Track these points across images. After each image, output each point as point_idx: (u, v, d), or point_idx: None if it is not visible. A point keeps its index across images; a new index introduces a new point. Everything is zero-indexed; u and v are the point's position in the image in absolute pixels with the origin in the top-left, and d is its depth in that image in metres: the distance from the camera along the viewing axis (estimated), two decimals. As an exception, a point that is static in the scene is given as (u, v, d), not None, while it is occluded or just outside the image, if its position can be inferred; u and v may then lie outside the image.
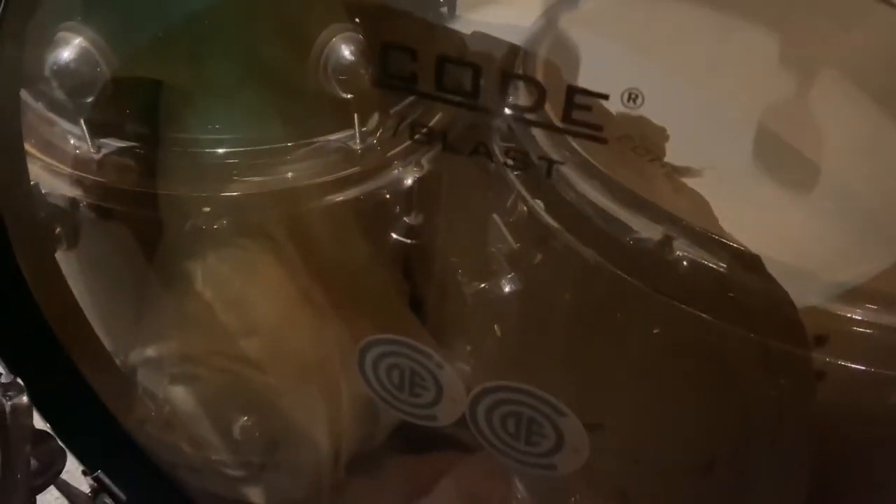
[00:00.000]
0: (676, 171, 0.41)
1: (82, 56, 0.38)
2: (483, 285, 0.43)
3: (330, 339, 0.40)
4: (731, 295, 0.35)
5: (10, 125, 0.41)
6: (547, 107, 0.44)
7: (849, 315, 0.33)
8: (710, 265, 0.35)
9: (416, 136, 0.35)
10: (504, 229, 0.44)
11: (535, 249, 0.41)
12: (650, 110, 0.40)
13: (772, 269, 0.36)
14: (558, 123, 0.32)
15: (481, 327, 0.43)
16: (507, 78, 0.33)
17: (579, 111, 0.31)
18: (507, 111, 0.34)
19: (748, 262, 0.35)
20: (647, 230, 0.36)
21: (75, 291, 0.46)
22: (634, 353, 0.38)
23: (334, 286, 0.40)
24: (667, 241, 0.36)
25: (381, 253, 0.41)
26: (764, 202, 0.38)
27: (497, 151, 0.36)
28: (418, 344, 0.36)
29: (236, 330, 0.40)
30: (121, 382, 0.45)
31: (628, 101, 0.31)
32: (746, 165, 0.39)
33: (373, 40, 0.40)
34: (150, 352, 0.42)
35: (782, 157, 0.39)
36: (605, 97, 0.31)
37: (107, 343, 0.48)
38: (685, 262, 0.35)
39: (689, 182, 0.41)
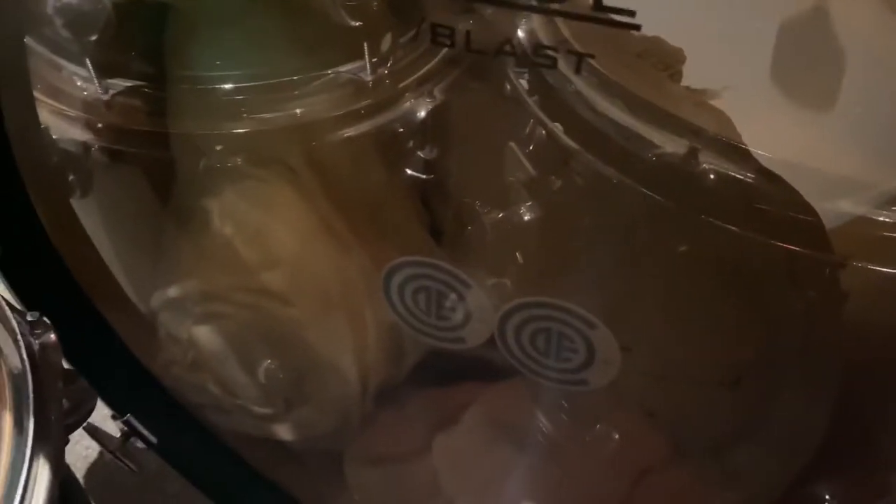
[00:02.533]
0: (695, 93, 0.40)
1: (84, -10, 0.37)
2: (502, 214, 0.43)
3: (353, 267, 0.40)
4: (759, 206, 0.34)
5: (17, 68, 0.40)
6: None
7: (877, 218, 0.32)
8: (738, 176, 0.34)
9: (438, 38, 0.34)
10: (521, 157, 0.43)
11: (554, 176, 0.41)
12: (665, 31, 0.39)
13: (794, 181, 0.36)
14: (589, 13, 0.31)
15: (503, 257, 0.42)
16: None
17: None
18: (533, 3, 0.33)
19: (773, 176, 0.34)
20: (671, 145, 0.36)
21: (93, 236, 0.46)
22: (661, 271, 0.37)
23: (355, 214, 0.39)
24: (692, 154, 0.35)
25: (400, 184, 0.41)
26: (784, 121, 0.37)
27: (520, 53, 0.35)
28: (445, 264, 0.35)
29: (258, 263, 0.40)
30: (144, 326, 0.45)
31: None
32: (765, 84, 0.38)
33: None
34: (172, 292, 0.42)
35: (801, 74, 0.38)
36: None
37: (127, 287, 0.48)
38: (712, 175, 0.35)
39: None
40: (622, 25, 0.30)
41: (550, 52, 0.34)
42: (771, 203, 0.35)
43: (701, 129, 0.35)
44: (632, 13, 0.30)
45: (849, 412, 0.40)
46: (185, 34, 0.39)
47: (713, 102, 0.41)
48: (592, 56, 0.34)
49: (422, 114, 0.45)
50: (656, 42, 0.42)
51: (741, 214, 0.35)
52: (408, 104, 0.45)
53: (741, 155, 0.34)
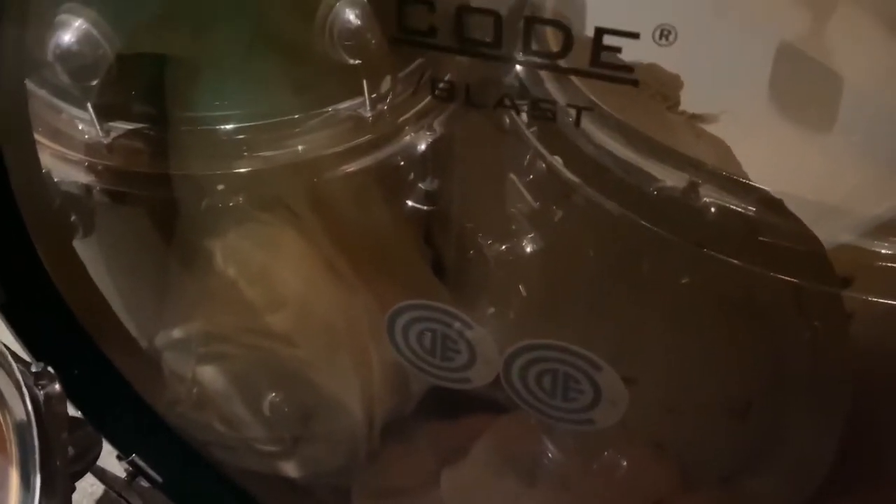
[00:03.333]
0: (693, 118, 0.41)
1: (84, 38, 0.37)
2: (505, 247, 0.43)
3: (357, 308, 0.40)
4: (760, 238, 0.34)
5: (18, 113, 0.40)
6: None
7: (876, 250, 0.32)
8: (738, 209, 0.34)
9: (438, 92, 0.34)
10: (522, 188, 0.44)
11: (555, 207, 0.41)
12: (661, 57, 0.40)
13: (795, 208, 0.36)
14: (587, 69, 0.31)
15: (506, 289, 0.42)
16: (530, 24, 0.32)
17: (608, 53, 0.30)
18: (533, 60, 0.33)
19: (775, 204, 0.35)
20: (671, 178, 0.36)
21: (95, 277, 0.46)
22: (665, 304, 0.37)
23: (358, 254, 0.40)
24: (693, 188, 0.35)
25: (402, 219, 0.41)
26: (783, 142, 0.38)
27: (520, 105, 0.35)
28: (448, 307, 0.35)
29: (262, 304, 0.40)
30: (148, 365, 0.45)
31: (660, 38, 0.30)
32: (763, 106, 0.38)
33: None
34: (176, 333, 0.42)
35: (799, 95, 0.38)
36: (636, 36, 0.30)
37: (131, 327, 0.48)
38: (713, 209, 0.35)
39: (707, 128, 0.41)
40: (620, 80, 0.30)
41: (549, 106, 0.34)
42: (772, 234, 0.35)
43: (700, 162, 0.35)
44: (630, 69, 0.30)
45: (858, 431, 0.40)
46: (185, 78, 0.39)
47: (712, 126, 0.41)
48: (591, 108, 0.35)
49: (422, 147, 0.46)
50: (653, 69, 0.42)
51: (742, 246, 0.35)
52: (408, 138, 0.46)
53: (741, 187, 0.34)
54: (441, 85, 0.34)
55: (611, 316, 0.39)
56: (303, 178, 0.40)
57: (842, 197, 0.37)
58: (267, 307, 0.40)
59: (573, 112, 0.34)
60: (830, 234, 0.36)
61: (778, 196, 0.36)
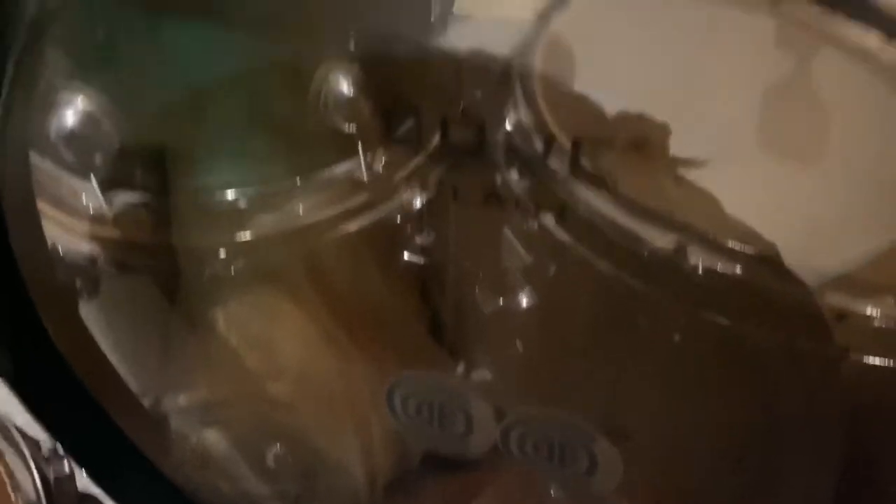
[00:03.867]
0: (682, 164, 0.42)
1: (87, 118, 0.39)
2: (501, 301, 0.44)
3: (356, 376, 0.41)
4: (750, 296, 0.35)
5: (22, 185, 0.41)
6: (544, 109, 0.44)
7: (865, 312, 0.33)
8: (726, 270, 0.35)
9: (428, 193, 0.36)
10: (517, 244, 0.45)
11: (550, 262, 0.42)
12: (648, 106, 0.41)
13: (785, 244, 0.37)
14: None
15: (503, 344, 0.43)
16: (511, 136, 0.33)
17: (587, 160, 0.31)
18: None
19: (764, 261, 0.35)
20: (661, 240, 0.37)
21: (102, 343, 0.46)
22: (658, 359, 0.38)
23: (356, 324, 0.41)
24: (681, 250, 0.36)
25: (398, 281, 0.42)
26: (772, 181, 0.38)
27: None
28: (445, 380, 0.36)
29: (263, 374, 0.41)
30: (155, 429, 0.46)
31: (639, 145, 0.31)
32: (752, 149, 0.39)
33: (373, 86, 0.40)
34: (181, 401, 0.43)
35: (787, 137, 0.39)
36: (610, 146, 0.31)
37: (136, 391, 0.49)
38: (700, 270, 0.36)
39: (695, 173, 0.42)
40: (599, 186, 0.31)
41: (532, 204, 0.36)
42: (761, 293, 0.36)
43: (688, 225, 0.36)
44: (604, 181, 0.32)
45: (856, 474, 0.40)
46: (185, 151, 0.40)
47: (701, 170, 0.42)
48: (574, 208, 0.36)
49: (418, 204, 0.47)
50: (641, 119, 0.43)
51: (732, 305, 0.36)
52: (404, 195, 0.47)
53: (728, 249, 0.35)
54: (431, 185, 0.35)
55: (605, 371, 0.40)
56: (301, 244, 0.41)
57: (831, 232, 0.38)
58: (268, 375, 0.41)
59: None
60: (820, 269, 0.36)
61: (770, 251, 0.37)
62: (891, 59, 0.40)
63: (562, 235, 0.39)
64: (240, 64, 0.37)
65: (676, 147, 0.41)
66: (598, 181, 0.31)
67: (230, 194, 0.43)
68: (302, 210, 0.44)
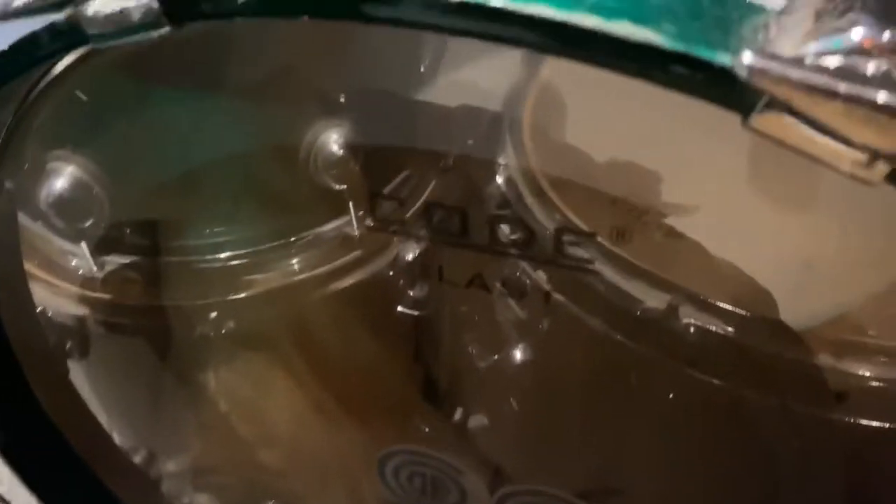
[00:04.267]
0: (673, 210, 0.42)
1: (77, 184, 0.39)
2: (496, 357, 0.44)
3: (348, 445, 0.40)
4: (744, 356, 0.35)
5: (10, 254, 0.41)
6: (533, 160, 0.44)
7: (861, 373, 0.33)
8: (718, 330, 0.35)
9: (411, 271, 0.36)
10: (510, 299, 0.44)
11: (542, 318, 0.42)
12: (639, 154, 0.41)
13: (775, 288, 0.37)
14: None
15: (497, 399, 0.43)
16: (494, 220, 0.34)
17: (570, 247, 0.32)
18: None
19: (757, 321, 0.35)
20: (652, 299, 0.37)
21: (91, 403, 0.46)
22: (652, 416, 0.38)
23: (347, 391, 0.40)
24: (672, 310, 0.36)
25: (390, 343, 0.42)
26: (764, 226, 0.39)
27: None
28: (437, 453, 0.36)
29: (254, 440, 0.41)
30: (146, 491, 0.45)
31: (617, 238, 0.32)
32: (743, 194, 0.39)
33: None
34: (172, 465, 0.43)
35: (779, 181, 0.39)
36: (593, 235, 0.32)
37: (126, 448, 0.48)
38: (692, 329, 0.36)
39: (687, 219, 0.42)
40: (581, 270, 0.32)
41: (517, 287, 0.36)
42: (755, 352, 0.36)
43: (678, 286, 0.36)
44: (590, 261, 0.32)
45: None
46: (174, 219, 0.40)
47: (691, 217, 0.42)
48: (560, 293, 0.36)
49: (410, 257, 0.47)
50: (631, 168, 0.43)
51: (727, 365, 0.36)
52: (396, 250, 0.47)
53: (719, 309, 0.35)
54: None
55: (598, 427, 0.39)
56: (292, 305, 0.41)
57: (825, 273, 0.38)
58: (258, 443, 0.41)
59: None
60: (815, 310, 0.36)
61: (761, 289, 0.37)
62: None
63: (556, 294, 0.39)
64: (230, 133, 0.37)
65: (667, 194, 0.41)
66: (582, 262, 0.31)
67: (221, 255, 0.43)
68: (293, 268, 0.44)
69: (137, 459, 0.50)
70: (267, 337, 0.40)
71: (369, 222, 0.46)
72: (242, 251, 0.43)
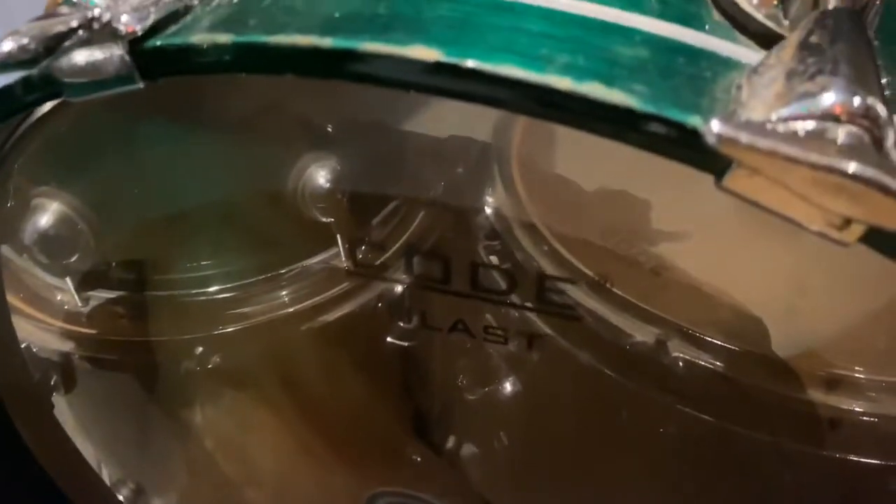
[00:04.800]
0: (664, 238, 0.42)
1: (61, 220, 0.38)
2: (485, 389, 0.43)
3: (335, 487, 0.40)
4: (734, 391, 0.35)
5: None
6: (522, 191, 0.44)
7: (852, 408, 0.33)
8: (708, 364, 0.35)
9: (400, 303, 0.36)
10: (498, 329, 0.44)
11: (532, 352, 0.41)
12: (629, 183, 0.41)
13: (766, 314, 0.36)
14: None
15: (487, 432, 0.43)
16: (476, 268, 0.34)
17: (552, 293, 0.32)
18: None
19: (748, 356, 0.35)
20: (641, 333, 0.37)
21: (76, 438, 0.45)
22: (642, 453, 0.37)
23: (334, 431, 0.40)
24: (661, 345, 0.36)
25: (378, 375, 0.41)
26: (754, 252, 0.38)
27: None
28: (425, 496, 0.35)
29: (241, 480, 0.40)
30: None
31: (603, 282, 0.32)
32: (733, 221, 0.39)
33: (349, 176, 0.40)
34: (158, 502, 0.42)
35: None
36: (573, 282, 0.32)
37: (112, 482, 0.47)
38: (681, 364, 0.35)
39: (677, 247, 0.42)
40: (565, 317, 0.31)
41: (500, 333, 0.36)
42: (745, 386, 0.36)
43: (668, 320, 0.36)
44: (572, 307, 0.32)
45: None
46: (159, 254, 0.40)
47: (685, 244, 0.42)
48: (543, 336, 0.36)
49: (400, 289, 0.46)
50: (621, 196, 0.43)
51: (716, 401, 0.35)
52: (384, 282, 0.46)
53: (707, 343, 0.35)
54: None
55: (589, 460, 0.39)
56: (279, 338, 0.41)
57: (817, 298, 0.37)
58: (244, 482, 0.40)
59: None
60: (807, 334, 0.36)
61: (753, 317, 0.36)
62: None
63: (542, 327, 0.39)
64: (216, 168, 0.37)
65: (657, 222, 0.41)
66: (564, 308, 0.31)
67: (208, 289, 0.43)
68: (281, 301, 0.44)
69: (125, 493, 0.49)
70: (253, 374, 0.40)
71: (351, 266, 0.45)
72: (230, 284, 0.42)
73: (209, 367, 0.41)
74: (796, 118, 0.13)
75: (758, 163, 0.12)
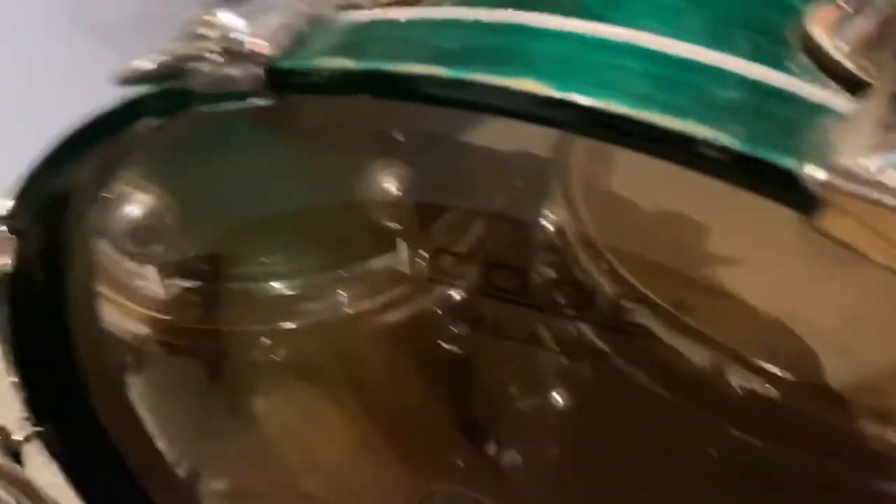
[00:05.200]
0: (720, 262, 0.42)
1: (151, 212, 0.41)
2: (536, 400, 0.44)
3: (391, 481, 0.41)
4: (787, 419, 0.35)
5: (86, 275, 0.44)
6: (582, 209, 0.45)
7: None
8: (763, 391, 0.35)
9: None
10: (552, 343, 0.45)
11: (586, 367, 0.42)
12: (686, 205, 0.41)
13: (822, 344, 0.36)
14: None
15: (535, 443, 0.44)
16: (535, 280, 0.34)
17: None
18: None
19: (802, 386, 0.35)
20: (698, 356, 0.37)
21: (145, 419, 0.48)
22: (693, 476, 0.38)
23: (391, 429, 0.41)
24: (718, 369, 0.36)
25: (433, 378, 0.43)
26: (808, 281, 0.38)
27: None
28: (480, 497, 0.37)
29: (299, 467, 0.42)
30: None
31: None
32: (789, 248, 0.39)
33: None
34: (217, 485, 0.44)
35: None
36: (655, 303, 0.32)
37: (173, 466, 0.50)
38: (737, 389, 0.36)
39: (732, 272, 0.42)
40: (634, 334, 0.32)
41: (554, 345, 0.36)
42: (798, 414, 0.36)
43: (726, 346, 0.36)
44: (643, 327, 0.32)
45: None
46: (233, 246, 0.42)
47: (737, 269, 0.42)
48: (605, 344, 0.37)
49: (457, 296, 0.48)
50: (679, 219, 0.44)
51: (769, 428, 0.36)
52: (444, 287, 0.48)
53: (766, 372, 0.35)
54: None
55: (638, 481, 0.40)
56: (340, 337, 0.43)
57: (869, 329, 0.37)
58: (303, 470, 0.42)
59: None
60: (859, 366, 0.36)
61: (806, 348, 0.36)
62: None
63: (600, 344, 0.39)
64: (296, 174, 0.39)
65: (714, 247, 0.41)
66: (636, 327, 0.32)
67: (274, 283, 0.45)
68: (342, 301, 0.46)
69: (181, 474, 0.51)
70: (318, 368, 0.42)
71: (412, 271, 0.47)
72: (295, 280, 0.45)
73: (274, 359, 0.43)
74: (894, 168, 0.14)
75: (855, 208, 0.13)
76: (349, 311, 0.45)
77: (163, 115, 0.22)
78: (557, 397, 0.43)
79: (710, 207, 0.40)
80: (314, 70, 0.18)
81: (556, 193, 0.46)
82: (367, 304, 0.45)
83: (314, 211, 0.44)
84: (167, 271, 0.45)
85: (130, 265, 0.46)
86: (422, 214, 0.46)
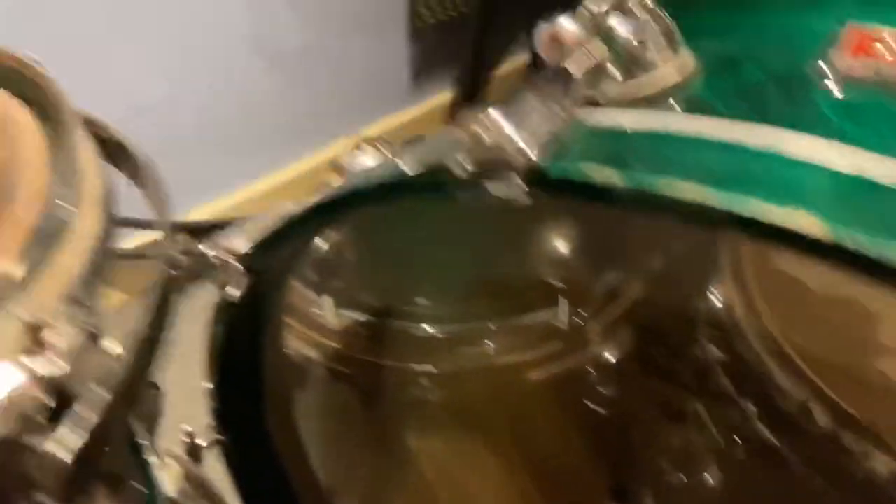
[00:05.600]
0: (884, 352, 0.40)
1: (335, 248, 0.45)
2: (685, 477, 0.44)
3: None
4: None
5: (279, 307, 0.47)
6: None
7: None
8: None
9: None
10: (707, 419, 0.44)
11: (742, 450, 0.41)
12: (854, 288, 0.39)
13: None
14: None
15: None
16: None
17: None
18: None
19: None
20: (880, 463, 0.35)
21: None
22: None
23: (548, 484, 0.42)
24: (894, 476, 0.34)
25: (589, 440, 0.43)
26: None
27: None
28: None
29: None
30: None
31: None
32: None
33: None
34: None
35: None
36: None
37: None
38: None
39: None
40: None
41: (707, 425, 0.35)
42: None
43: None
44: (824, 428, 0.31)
45: None
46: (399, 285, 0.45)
47: None
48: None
49: (612, 358, 0.48)
50: (852, 304, 0.41)
51: None
52: (597, 348, 0.48)
53: None
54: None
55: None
56: (497, 386, 0.44)
57: None
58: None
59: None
60: None
61: None
62: None
63: (764, 433, 0.38)
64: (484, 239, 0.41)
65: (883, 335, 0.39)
66: None
67: (433, 326, 0.47)
68: (498, 350, 0.47)
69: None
70: (476, 414, 0.43)
71: (576, 318, 0.48)
72: (453, 325, 0.47)
73: (431, 399, 0.45)
74: None
75: None
76: (503, 360, 0.46)
77: (413, 195, 0.24)
78: (707, 476, 0.42)
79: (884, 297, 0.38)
80: (585, 180, 0.19)
81: (724, 269, 0.45)
82: (522, 356, 0.47)
83: (481, 265, 0.46)
84: (342, 302, 0.49)
85: (307, 293, 0.50)
86: (585, 275, 0.47)
